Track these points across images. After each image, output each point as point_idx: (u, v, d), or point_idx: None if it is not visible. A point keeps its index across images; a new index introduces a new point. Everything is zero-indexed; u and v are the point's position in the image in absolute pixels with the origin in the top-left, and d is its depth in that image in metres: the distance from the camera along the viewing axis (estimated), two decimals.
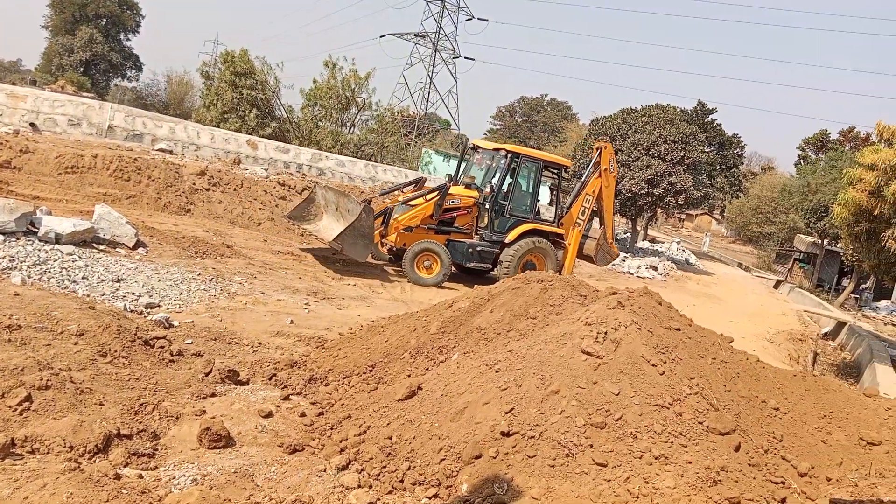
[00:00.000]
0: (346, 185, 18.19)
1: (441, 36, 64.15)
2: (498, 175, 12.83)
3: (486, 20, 69.70)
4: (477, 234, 12.71)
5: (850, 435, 4.41)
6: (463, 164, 13.82)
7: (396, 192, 13.78)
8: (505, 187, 12.84)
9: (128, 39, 63.92)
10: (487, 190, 12.79)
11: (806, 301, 25.62)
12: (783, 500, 3.80)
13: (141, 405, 4.33)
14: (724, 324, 15.43)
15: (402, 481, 3.85)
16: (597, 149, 14.39)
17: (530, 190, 13.37)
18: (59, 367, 4.46)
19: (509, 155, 12.86)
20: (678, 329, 4.83)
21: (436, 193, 12.20)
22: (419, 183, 13.62)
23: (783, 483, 3.93)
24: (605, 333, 4.52)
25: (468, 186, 12.75)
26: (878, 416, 4.59)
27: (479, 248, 12.52)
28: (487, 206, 12.61)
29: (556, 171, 13.89)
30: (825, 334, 19.69)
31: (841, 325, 19.94)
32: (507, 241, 12.65)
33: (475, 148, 13.97)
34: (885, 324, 24.94)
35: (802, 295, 27.30)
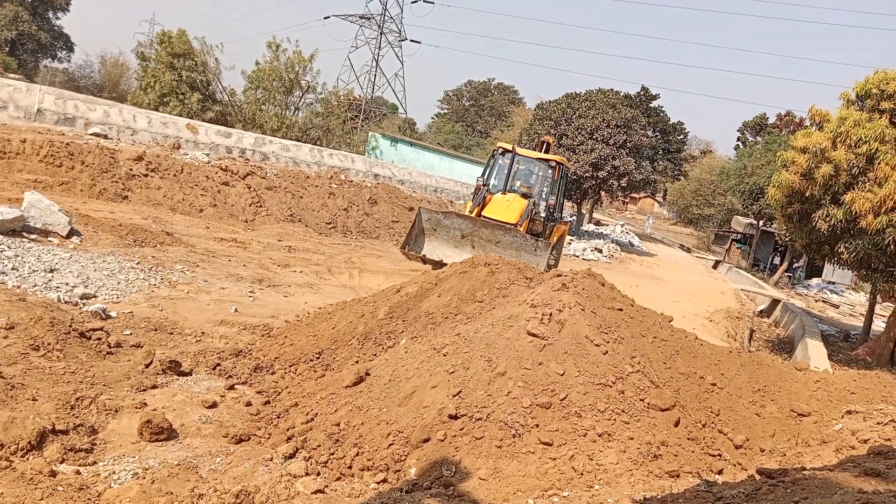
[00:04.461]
0: (290, 168, 17.87)
1: (387, 18, 63.42)
2: (547, 185, 13.07)
3: (432, 2, 69.19)
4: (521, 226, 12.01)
5: (782, 407, 4.61)
6: (495, 168, 13.25)
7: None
8: (556, 198, 13.08)
9: (57, 18, 60.74)
10: (552, 201, 12.86)
11: (743, 280, 26.62)
12: (720, 471, 3.95)
13: (77, 399, 4.18)
14: (665, 303, 15.91)
15: (350, 467, 3.85)
16: (545, 143, 14.46)
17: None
18: None
19: (559, 167, 13.03)
20: (620, 309, 4.95)
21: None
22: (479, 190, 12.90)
23: (720, 455, 4.10)
24: (550, 315, 4.59)
25: (525, 196, 12.37)
26: (808, 388, 4.82)
27: None
28: (544, 216, 12.55)
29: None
30: (761, 311, 20.55)
31: (775, 302, 20.83)
32: (552, 243, 12.61)
33: (505, 152, 13.24)
34: (816, 300, 26.16)
35: (739, 274, 28.35)
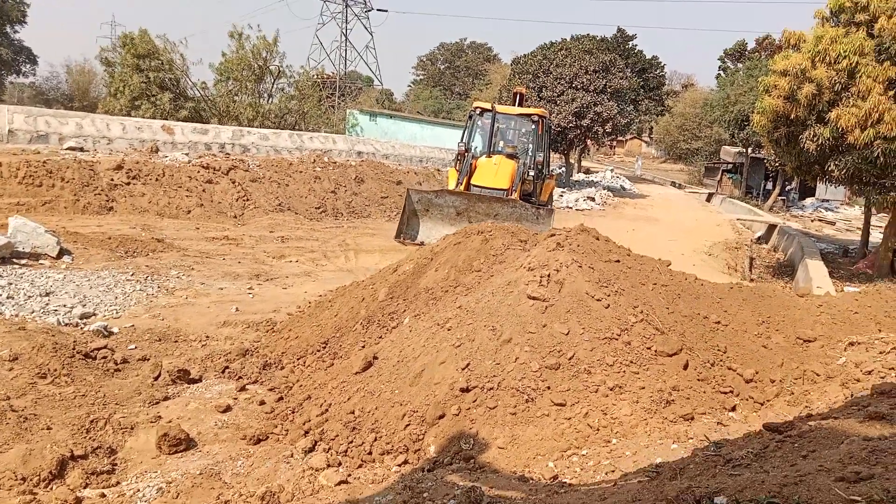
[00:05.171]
0: (272, 157, 17.69)
1: None
2: (533, 142, 12.26)
3: None
4: (514, 191, 11.39)
5: (787, 336, 4.64)
6: (475, 129, 12.60)
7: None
8: (543, 154, 12.28)
9: (16, 32, 59.42)
10: (540, 158, 12.10)
11: (737, 210, 26.67)
12: (733, 407, 4.00)
13: (91, 422, 4.20)
14: (663, 244, 15.95)
15: (370, 453, 3.88)
16: (519, 94, 14.04)
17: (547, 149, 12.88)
18: None
19: (542, 120, 12.31)
20: (618, 261, 4.95)
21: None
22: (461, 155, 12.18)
23: (732, 391, 4.13)
24: (548, 276, 4.59)
25: (511, 157, 11.77)
26: (811, 314, 4.84)
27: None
28: (533, 174, 11.80)
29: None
30: (758, 238, 20.61)
31: (772, 227, 20.89)
32: (543, 201, 12.03)
33: (484, 112, 12.60)
34: (812, 220, 26.25)
35: (733, 204, 28.39)
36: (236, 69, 23.58)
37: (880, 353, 2.97)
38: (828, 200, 30.72)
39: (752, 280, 14.05)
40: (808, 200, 31.51)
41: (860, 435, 1.66)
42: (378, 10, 63.72)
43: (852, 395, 2.46)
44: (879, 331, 4.61)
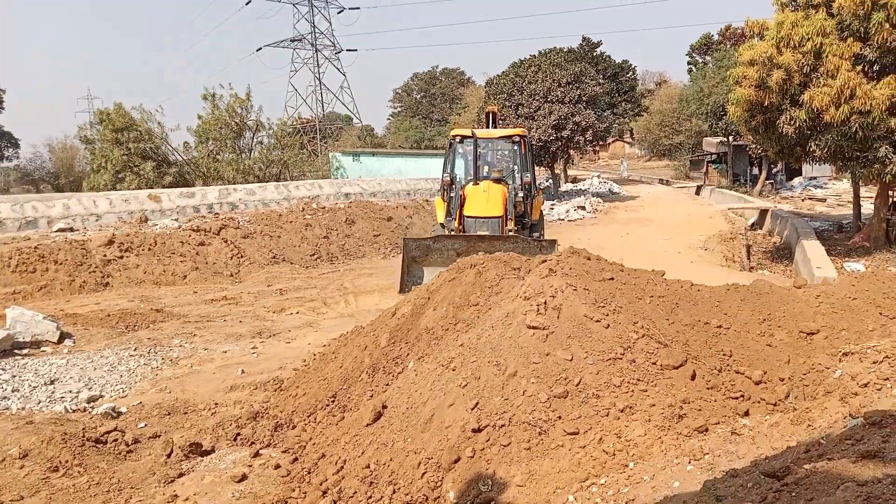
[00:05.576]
0: (261, 211, 17.78)
1: (318, 34, 63.20)
2: (518, 162, 12.02)
3: (358, 7, 68.91)
4: (510, 219, 11.08)
5: (790, 331, 4.65)
6: (456, 157, 12.29)
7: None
8: (529, 174, 11.95)
9: None
10: (528, 179, 11.76)
11: (727, 199, 26.77)
12: (746, 412, 3.98)
13: None
14: (658, 243, 16.00)
15: None
16: (491, 114, 13.91)
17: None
18: (8, 498, 4.22)
19: (523, 140, 12.10)
20: (611, 278, 4.96)
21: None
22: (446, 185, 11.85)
23: (742, 396, 4.12)
24: (545, 303, 4.59)
25: (498, 181, 11.48)
26: (811, 305, 4.85)
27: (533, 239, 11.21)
28: (522, 195, 11.43)
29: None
30: (752, 225, 20.66)
31: (764, 212, 20.97)
32: (535, 220, 11.81)
33: (464, 139, 12.17)
34: (803, 199, 26.36)
35: (723, 194, 28.51)
36: (214, 129, 23.82)
37: (873, 362, 2.98)
38: (815, 178, 30.89)
39: (751, 268, 14.06)
40: (796, 180, 31.68)
41: (854, 478, 1.67)
42: (348, 50, 64.72)
43: (850, 415, 2.47)
44: (881, 314, 4.62)
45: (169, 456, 5.05)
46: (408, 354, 5.42)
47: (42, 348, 8.39)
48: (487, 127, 13.10)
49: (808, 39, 12.61)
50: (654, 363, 4.16)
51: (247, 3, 77.72)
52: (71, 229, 14.61)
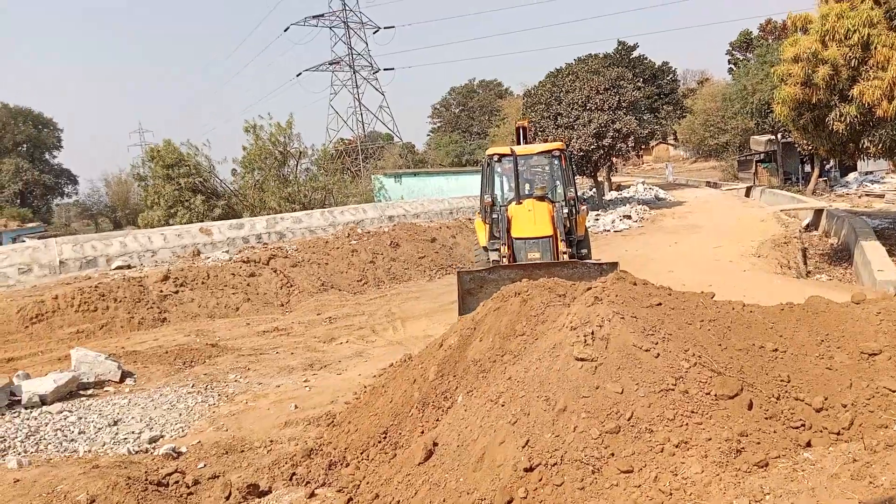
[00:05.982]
0: (307, 238, 18.11)
1: (355, 56, 64.39)
2: (559, 177, 11.80)
3: (393, 26, 70.17)
4: (561, 240, 10.72)
5: (851, 352, 4.46)
6: (493, 177, 12.00)
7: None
8: (572, 189, 11.62)
9: (53, 157, 63.31)
10: (571, 194, 11.43)
11: (779, 199, 25.97)
12: (808, 443, 3.83)
13: None
14: (708, 252, 15.61)
15: None
16: (521, 129, 13.11)
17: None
18: None
19: (562, 153, 11.74)
20: (659, 304, 4.86)
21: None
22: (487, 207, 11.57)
23: (803, 425, 3.97)
24: (592, 333, 4.53)
25: (542, 199, 11.14)
26: (871, 323, 4.64)
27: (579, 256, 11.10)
28: (566, 211, 11.11)
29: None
30: (807, 226, 19.96)
31: (819, 212, 20.23)
32: (581, 235, 11.47)
33: (501, 158, 11.84)
34: (859, 196, 25.36)
35: (774, 195, 27.67)
36: (258, 159, 24.48)
37: None
38: (871, 173, 29.67)
39: (808, 274, 13.59)
40: (851, 176, 30.49)
41: None
42: (385, 69, 65.52)
43: None
44: None
45: (227, 499, 5.15)
46: (456, 388, 5.42)
47: (105, 388, 8.70)
48: (519, 143, 12.70)
49: (855, 31, 12.20)
50: (708, 393, 4.05)
51: (285, 31, 79.86)
52: (129, 266, 15.15)
